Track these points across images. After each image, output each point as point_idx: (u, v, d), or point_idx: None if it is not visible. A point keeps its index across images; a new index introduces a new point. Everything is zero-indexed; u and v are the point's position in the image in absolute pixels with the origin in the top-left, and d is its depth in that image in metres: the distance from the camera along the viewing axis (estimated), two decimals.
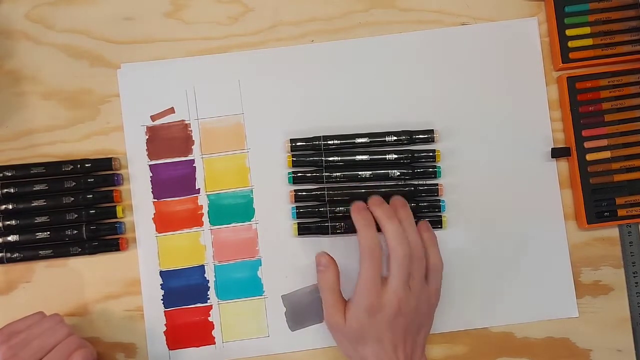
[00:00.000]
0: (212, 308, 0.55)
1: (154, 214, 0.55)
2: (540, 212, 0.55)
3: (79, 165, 0.54)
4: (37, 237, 0.53)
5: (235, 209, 0.55)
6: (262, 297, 0.55)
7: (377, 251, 0.47)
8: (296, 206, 0.54)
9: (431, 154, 0.54)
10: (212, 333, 0.54)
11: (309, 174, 0.54)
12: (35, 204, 0.54)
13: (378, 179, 0.54)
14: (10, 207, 0.54)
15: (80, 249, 0.54)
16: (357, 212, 0.49)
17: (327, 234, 0.54)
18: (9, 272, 0.54)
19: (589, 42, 0.55)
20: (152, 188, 0.55)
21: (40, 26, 0.56)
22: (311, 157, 0.54)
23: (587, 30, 0.55)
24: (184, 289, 0.55)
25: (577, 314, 0.55)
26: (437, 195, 0.54)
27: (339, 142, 0.54)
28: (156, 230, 0.55)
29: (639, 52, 0.55)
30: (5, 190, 0.54)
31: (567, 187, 0.56)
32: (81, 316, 0.54)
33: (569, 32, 0.55)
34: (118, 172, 0.55)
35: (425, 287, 0.49)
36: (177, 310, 0.55)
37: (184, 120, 0.56)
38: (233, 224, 0.55)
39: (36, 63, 0.56)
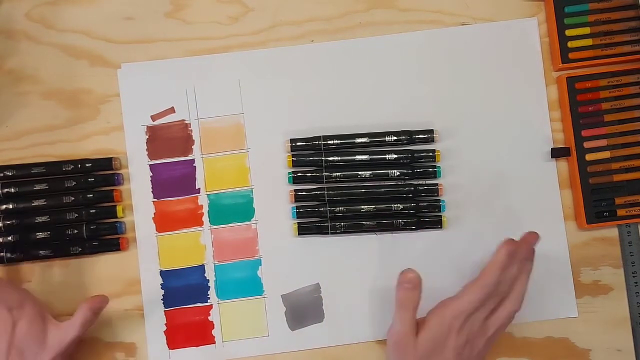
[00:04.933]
0: (212, 308, 0.55)
1: (154, 213, 0.55)
2: (539, 212, 0.55)
3: (79, 165, 0.54)
4: (38, 236, 0.54)
5: (235, 209, 0.55)
6: (262, 296, 0.55)
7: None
8: (296, 206, 0.55)
9: (431, 154, 0.54)
10: (212, 333, 0.55)
11: (309, 174, 0.54)
12: (35, 203, 0.54)
13: (378, 179, 0.55)
14: (10, 206, 0.54)
15: (80, 249, 0.54)
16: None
17: (327, 234, 0.54)
18: (9, 272, 0.54)
19: (588, 42, 0.55)
20: (152, 188, 0.55)
21: (41, 26, 0.56)
22: (311, 157, 0.54)
23: (586, 30, 0.55)
24: (184, 289, 0.55)
25: (576, 313, 0.55)
26: (437, 195, 0.54)
27: (339, 142, 0.54)
28: (156, 230, 0.55)
29: (639, 52, 0.55)
30: (6, 189, 0.54)
31: (566, 187, 0.56)
32: None
33: (569, 32, 0.55)
34: (118, 171, 0.55)
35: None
36: (177, 310, 0.55)
37: (184, 120, 0.56)
38: (233, 224, 0.55)
39: (36, 63, 0.56)
